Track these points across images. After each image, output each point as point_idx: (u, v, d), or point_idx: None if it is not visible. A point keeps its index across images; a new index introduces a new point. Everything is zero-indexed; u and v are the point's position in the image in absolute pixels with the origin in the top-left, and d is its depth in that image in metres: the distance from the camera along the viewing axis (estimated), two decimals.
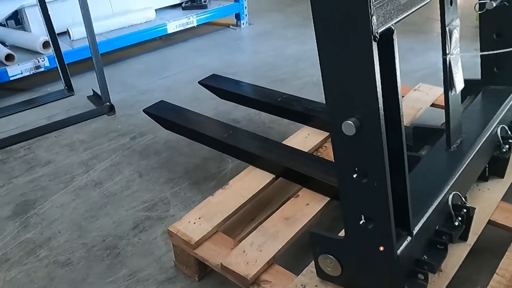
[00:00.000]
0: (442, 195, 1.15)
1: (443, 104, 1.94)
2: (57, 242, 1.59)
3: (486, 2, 1.46)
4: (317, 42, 0.86)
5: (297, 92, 2.35)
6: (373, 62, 0.80)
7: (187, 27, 3.40)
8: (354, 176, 0.95)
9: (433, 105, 2.05)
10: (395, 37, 0.86)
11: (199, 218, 1.41)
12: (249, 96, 2.06)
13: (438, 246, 1.10)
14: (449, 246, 1.23)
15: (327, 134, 1.82)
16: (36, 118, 2.45)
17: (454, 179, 1.20)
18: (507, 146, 1.44)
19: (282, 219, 1.39)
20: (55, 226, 1.66)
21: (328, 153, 1.74)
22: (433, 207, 1.11)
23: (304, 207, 1.43)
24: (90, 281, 1.42)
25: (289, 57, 3.03)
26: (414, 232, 1.03)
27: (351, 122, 0.87)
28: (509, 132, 1.47)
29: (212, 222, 1.39)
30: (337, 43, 0.84)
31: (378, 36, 0.79)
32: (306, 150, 1.72)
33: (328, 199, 1.45)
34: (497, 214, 1.38)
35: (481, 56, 1.64)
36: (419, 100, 2.01)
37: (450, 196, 1.17)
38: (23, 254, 1.54)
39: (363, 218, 0.97)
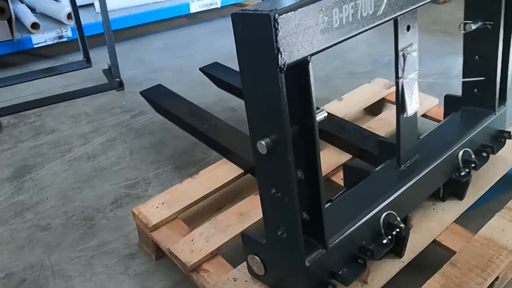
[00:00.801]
0: (372, 213, 1.22)
1: (436, 115, 1.98)
2: (43, 207, 1.78)
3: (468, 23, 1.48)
4: (239, 65, 0.94)
5: None
6: (279, 91, 0.88)
7: (210, 7, 3.49)
8: (271, 190, 1.04)
9: (424, 115, 2.07)
10: (310, 67, 0.93)
11: (162, 203, 1.55)
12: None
13: (358, 260, 1.18)
14: (383, 261, 1.32)
15: None
16: (52, 86, 2.66)
17: (390, 198, 1.26)
18: (466, 170, 1.47)
19: (236, 214, 1.50)
20: (44, 192, 1.86)
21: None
22: (358, 223, 1.18)
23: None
24: (63, 246, 1.60)
25: None
26: (330, 245, 1.11)
27: (263, 142, 0.96)
28: (473, 156, 1.50)
29: (172, 209, 1.52)
30: (252, 70, 0.92)
31: (284, 68, 0.87)
32: None
33: None
34: (444, 235, 1.42)
35: (464, 75, 1.65)
36: None
37: (383, 215, 1.24)
38: (12, 214, 1.75)
39: (279, 228, 1.07)
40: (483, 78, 1.56)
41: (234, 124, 1.87)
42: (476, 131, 1.54)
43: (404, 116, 1.29)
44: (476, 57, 1.58)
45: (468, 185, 1.50)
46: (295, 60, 0.89)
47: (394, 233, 1.24)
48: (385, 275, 1.29)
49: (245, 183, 1.72)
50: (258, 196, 1.54)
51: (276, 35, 0.83)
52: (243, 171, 1.69)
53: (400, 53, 1.22)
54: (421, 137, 1.54)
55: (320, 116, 1.04)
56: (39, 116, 2.37)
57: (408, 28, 1.22)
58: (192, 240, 1.41)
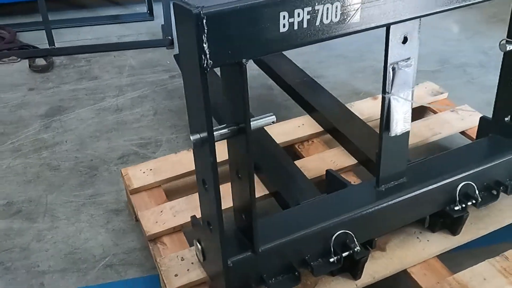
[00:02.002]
0: (322, 228, 1.18)
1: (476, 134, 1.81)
2: (59, 149, 1.96)
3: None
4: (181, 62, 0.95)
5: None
6: (201, 90, 0.88)
7: None
8: (202, 183, 1.06)
9: (463, 133, 1.89)
10: (245, 69, 0.90)
11: (150, 169, 1.63)
12: (273, 69, 2.12)
13: (294, 273, 1.16)
14: (335, 279, 1.28)
15: (321, 130, 1.84)
16: (110, 34, 2.84)
17: (350, 217, 1.21)
18: (463, 205, 1.35)
19: None
20: (66, 135, 2.04)
21: (308, 150, 1.78)
22: (301, 235, 1.16)
23: None
24: (62, 189, 1.77)
25: None
26: (260, 250, 1.11)
27: (192, 138, 0.97)
28: (476, 192, 1.36)
29: (157, 177, 1.60)
30: (185, 64, 0.92)
31: (207, 69, 0.86)
32: (288, 140, 1.79)
33: (267, 192, 1.55)
34: (417, 268, 1.34)
35: (496, 99, 1.48)
36: (447, 123, 1.87)
37: (337, 233, 1.19)
38: (31, 149, 1.96)
39: (209, 222, 1.09)
40: None
41: (268, 104, 1.88)
42: (491, 164, 1.40)
43: (389, 135, 1.21)
44: None
45: (462, 221, 1.38)
46: (226, 62, 0.88)
47: (346, 253, 1.20)
48: None
49: None
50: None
51: (202, 34, 0.82)
52: None
53: (389, 67, 1.13)
54: (421, 160, 1.43)
55: (264, 121, 1.02)
56: (88, 61, 2.56)
57: (405, 40, 1.12)
58: (162, 211, 1.48)
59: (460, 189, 1.35)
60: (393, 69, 1.13)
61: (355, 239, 1.22)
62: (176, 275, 1.30)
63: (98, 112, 2.18)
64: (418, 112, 2.07)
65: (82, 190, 1.76)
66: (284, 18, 0.89)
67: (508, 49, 1.31)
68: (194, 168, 1.61)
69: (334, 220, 1.20)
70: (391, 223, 1.33)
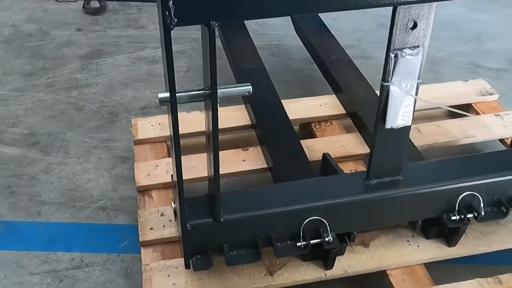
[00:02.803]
0: (293, 211, 1.15)
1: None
2: (88, 91, 2.06)
3: None
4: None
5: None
6: (165, 48, 0.88)
7: None
8: (172, 146, 1.06)
9: (502, 141, 1.74)
10: (213, 32, 0.88)
11: (159, 124, 1.67)
12: (310, 41, 2.05)
13: (256, 249, 1.16)
14: (305, 264, 1.27)
15: (343, 112, 1.78)
16: None
17: (325, 204, 1.17)
18: (461, 216, 1.25)
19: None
20: (98, 78, 2.13)
21: (324, 131, 1.73)
22: (267, 213, 1.15)
23: (239, 160, 1.55)
24: (81, 129, 1.87)
25: None
26: (222, 219, 1.11)
27: (159, 95, 0.98)
28: (481, 205, 1.25)
29: (163, 132, 1.64)
30: (159, 19, 0.91)
31: (172, 27, 0.85)
32: (305, 117, 1.75)
33: (265, 166, 1.54)
34: (397, 272, 1.28)
35: None
36: (485, 128, 1.72)
37: (309, 219, 1.16)
38: (64, 87, 2.07)
39: (175, 186, 1.11)
40: None
41: (305, 78, 1.84)
42: (505, 178, 1.28)
43: (384, 127, 1.14)
44: None
45: (459, 233, 1.29)
46: (192, 22, 0.86)
47: (315, 241, 1.17)
48: (296, 277, 1.25)
49: (252, 135, 1.72)
50: (244, 152, 1.60)
51: None
52: (250, 123, 1.70)
53: (392, 53, 1.05)
54: (428, 161, 1.34)
55: (236, 90, 1.01)
56: (139, 9, 2.63)
57: (415, 25, 1.03)
58: (157, 166, 1.53)
59: (462, 198, 1.26)
60: (396, 55, 1.05)
61: (329, 228, 1.18)
62: (151, 229, 1.35)
63: (134, 61, 2.25)
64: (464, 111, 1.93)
65: (98, 133, 1.85)
66: None
67: None
68: (200, 129, 1.67)
69: (308, 204, 1.17)
70: (374, 220, 1.27)
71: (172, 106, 0.95)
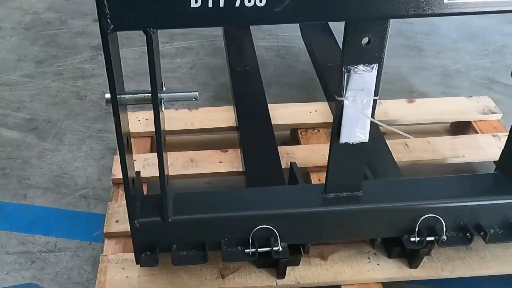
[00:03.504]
0: (242, 217, 1.17)
1: None
2: (93, 81, 2.14)
3: None
4: None
5: None
6: (104, 52, 0.91)
7: None
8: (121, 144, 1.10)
9: (495, 163, 1.67)
10: (150, 39, 0.91)
11: (146, 119, 1.72)
12: (311, 44, 2.04)
13: (204, 252, 1.18)
14: (258, 271, 1.28)
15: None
16: None
17: (276, 214, 1.18)
18: (421, 238, 1.22)
19: (187, 159, 1.58)
20: (104, 70, 2.19)
21: (309, 138, 1.72)
22: (217, 217, 1.17)
23: (216, 162, 1.57)
24: (79, 118, 1.95)
25: None
26: (170, 219, 1.14)
27: (106, 95, 1.01)
28: (443, 228, 1.21)
29: (146, 127, 1.69)
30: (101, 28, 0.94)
31: (109, 32, 0.87)
32: (291, 123, 1.74)
33: (240, 169, 1.55)
34: None
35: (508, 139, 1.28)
36: (478, 148, 1.66)
37: (259, 227, 1.17)
38: (71, 76, 2.16)
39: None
40: None
41: (308, 82, 1.83)
42: (471, 204, 1.23)
43: (339, 142, 1.13)
44: None
45: (419, 255, 1.26)
46: (129, 28, 0.89)
47: (263, 249, 1.18)
48: (246, 282, 1.27)
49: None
50: (223, 154, 1.62)
51: None
52: (236, 124, 1.72)
53: (345, 69, 1.04)
54: (393, 179, 1.32)
55: (182, 95, 1.03)
56: None
57: (369, 41, 1.01)
58: (136, 160, 1.57)
59: (423, 220, 1.22)
60: (348, 71, 1.04)
61: (279, 238, 1.19)
62: (117, 221, 1.39)
63: (142, 54, 2.31)
64: (458, 127, 1.87)
65: (94, 123, 1.93)
66: None
67: None
68: (186, 127, 1.71)
69: (258, 212, 1.18)
70: (330, 234, 1.26)
71: (113, 106, 0.98)
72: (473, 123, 1.82)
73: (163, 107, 1.04)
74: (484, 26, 2.69)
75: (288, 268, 1.29)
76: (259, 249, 1.18)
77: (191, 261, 1.19)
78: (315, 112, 1.80)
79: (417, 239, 1.23)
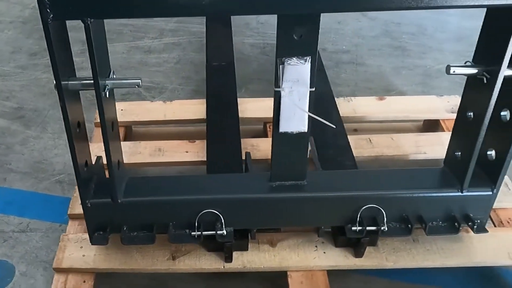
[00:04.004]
0: (189, 201, 1.23)
1: None
2: (80, 74, 2.20)
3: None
4: None
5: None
6: (46, 41, 0.98)
7: None
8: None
9: None
10: (88, 28, 0.98)
11: (121, 110, 1.79)
12: None
13: (152, 233, 1.24)
14: (207, 254, 1.34)
15: None
16: None
17: (220, 198, 1.23)
18: (362, 227, 1.26)
19: (156, 149, 1.65)
20: None
21: None
22: (164, 200, 1.23)
23: (183, 151, 1.64)
24: None
25: None
26: (120, 201, 1.21)
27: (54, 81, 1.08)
28: (384, 219, 1.25)
29: (124, 117, 1.76)
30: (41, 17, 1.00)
31: (49, 21, 0.95)
32: (262, 116, 1.79)
33: (204, 159, 1.61)
34: (297, 274, 1.32)
35: (452, 130, 1.30)
36: (441, 145, 1.68)
37: (205, 211, 1.23)
38: None
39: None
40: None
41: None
42: (411, 195, 1.27)
43: (278, 131, 1.18)
44: (469, 113, 1.23)
45: (362, 244, 1.30)
46: (67, 18, 0.96)
47: (208, 233, 1.24)
48: (195, 265, 1.32)
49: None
50: (190, 144, 1.68)
51: None
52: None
53: (279, 61, 1.09)
54: (340, 170, 1.36)
55: (125, 82, 1.10)
56: None
57: (301, 35, 1.06)
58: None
59: (364, 210, 1.26)
60: (283, 63, 1.09)
61: (223, 223, 1.25)
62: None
63: (130, 49, 2.40)
64: (429, 126, 1.89)
65: None
66: None
67: (456, 73, 1.15)
68: (159, 118, 1.78)
69: (204, 196, 1.24)
70: (274, 221, 1.31)
71: (58, 92, 1.05)
72: (441, 121, 1.85)
73: (107, 93, 1.11)
74: (473, 27, 2.69)
75: (237, 253, 1.35)
76: (204, 232, 1.24)
77: (140, 241, 1.26)
78: None
79: (358, 228, 1.27)
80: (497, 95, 1.13)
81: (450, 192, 1.28)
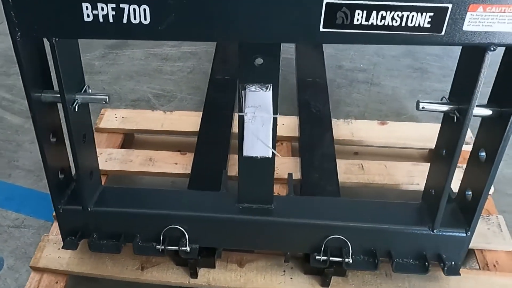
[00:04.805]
0: (155, 215, 1.27)
1: None
2: (97, 78, 2.32)
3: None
4: None
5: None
6: (17, 55, 1.03)
7: None
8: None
9: None
10: (52, 45, 1.02)
11: (122, 117, 1.86)
12: (297, 59, 2.08)
13: (119, 243, 1.29)
14: (174, 267, 1.36)
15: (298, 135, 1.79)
16: None
17: (184, 215, 1.26)
18: (324, 257, 1.24)
19: (147, 158, 1.69)
20: (110, 68, 2.39)
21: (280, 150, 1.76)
22: (131, 212, 1.27)
23: (171, 163, 1.67)
24: None
25: None
26: (90, 209, 1.26)
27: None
28: (349, 252, 1.22)
29: (123, 125, 1.82)
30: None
31: (18, 38, 1.00)
32: None
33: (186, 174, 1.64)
34: None
35: (429, 170, 1.26)
36: None
37: (170, 226, 1.25)
38: None
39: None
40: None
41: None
42: (379, 228, 1.24)
43: (243, 155, 1.19)
44: (442, 150, 1.19)
45: (326, 274, 1.28)
46: (34, 36, 1.01)
47: (171, 248, 1.26)
48: (162, 277, 1.35)
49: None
50: (181, 156, 1.71)
51: (9, 1, 0.96)
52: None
53: (241, 86, 1.10)
54: (311, 197, 1.34)
55: (93, 97, 1.14)
56: None
57: (261, 62, 1.06)
58: (101, 154, 1.71)
59: (329, 240, 1.24)
60: (244, 88, 1.10)
61: (187, 239, 1.27)
62: None
63: (149, 56, 2.47)
64: (424, 155, 1.83)
65: None
66: (87, 9, 0.97)
67: (420, 108, 1.11)
68: (157, 128, 1.83)
69: (170, 212, 1.27)
70: (239, 242, 1.32)
71: (28, 103, 1.11)
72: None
73: (76, 107, 1.15)
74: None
75: (205, 270, 1.37)
76: (168, 247, 1.27)
77: (107, 249, 1.30)
78: (282, 125, 1.84)
79: (323, 258, 1.26)
80: (466, 133, 1.09)
81: (420, 229, 1.24)
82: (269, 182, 1.25)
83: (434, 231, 1.23)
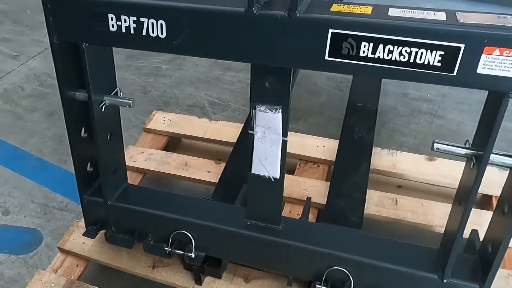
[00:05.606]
0: (167, 218, 1.33)
1: None
2: (162, 80, 2.47)
3: None
4: None
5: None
6: (55, 57, 1.16)
7: None
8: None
9: None
10: (82, 50, 1.13)
11: (170, 120, 1.97)
12: (353, 82, 2.06)
13: (133, 239, 1.37)
14: (184, 271, 1.42)
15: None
16: None
17: (193, 223, 1.31)
18: (326, 287, 1.22)
19: (183, 163, 1.78)
20: (175, 72, 2.53)
21: (304, 171, 1.77)
22: (145, 212, 1.35)
23: (205, 171, 1.74)
24: (135, 109, 2.29)
25: None
26: (109, 202, 1.36)
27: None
28: (351, 285, 1.19)
29: (169, 128, 1.93)
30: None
31: (55, 41, 1.13)
32: (294, 152, 1.80)
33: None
34: None
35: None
36: (474, 225, 1.52)
37: (179, 231, 1.31)
38: (146, 72, 2.52)
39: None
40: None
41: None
42: (386, 267, 1.20)
43: (251, 173, 1.21)
44: (460, 197, 1.13)
45: None
46: (68, 40, 1.13)
47: (177, 252, 1.32)
48: (169, 278, 1.42)
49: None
50: (216, 165, 1.78)
51: (49, 7, 1.10)
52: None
53: (251, 105, 1.13)
54: (322, 224, 1.33)
55: (117, 100, 1.24)
56: None
57: (271, 84, 1.09)
58: (142, 153, 1.83)
59: (331, 271, 1.23)
60: (254, 107, 1.13)
61: (194, 245, 1.32)
62: None
63: (213, 64, 2.59)
64: (484, 200, 1.71)
65: (144, 116, 2.25)
66: (112, 20, 1.07)
67: (435, 148, 1.07)
68: (200, 135, 1.91)
69: (179, 217, 1.33)
70: (243, 257, 1.34)
71: (62, 101, 1.24)
72: (493, 198, 1.66)
73: (103, 108, 1.26)
74: None
75: (211, 278, 1.41)
76: (174, 250, 1.34)
77: (120, 243, 1.40)
78: (322, 147, 1.84)
79: (322, 287, 1.25)
80: (480, 180, 1.03)
81: (428, 275, 1.18)
82: (277, 203, 1.27)
83: (444, 280, 1.17)
